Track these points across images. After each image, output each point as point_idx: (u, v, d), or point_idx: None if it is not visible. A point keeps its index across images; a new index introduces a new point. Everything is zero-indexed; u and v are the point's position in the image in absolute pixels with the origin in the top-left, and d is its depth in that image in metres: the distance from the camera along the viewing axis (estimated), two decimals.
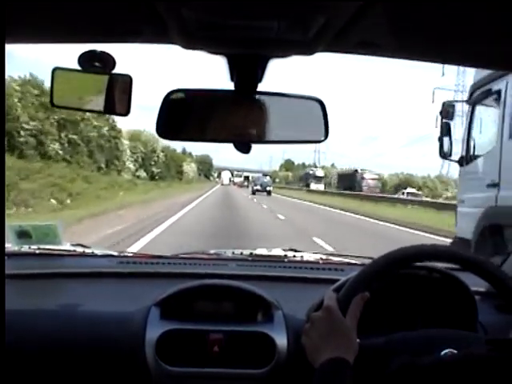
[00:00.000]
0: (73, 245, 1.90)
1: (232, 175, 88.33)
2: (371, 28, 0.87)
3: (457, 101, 5.93)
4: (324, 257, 1.91)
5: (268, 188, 47.52)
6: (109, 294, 1.57)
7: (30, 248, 1.78)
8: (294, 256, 1.91)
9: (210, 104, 1.09)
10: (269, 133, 1.10)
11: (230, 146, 1.12)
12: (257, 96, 1.09)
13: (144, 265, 1.78)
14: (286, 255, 1.91)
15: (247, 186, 59.83)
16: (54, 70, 1.11)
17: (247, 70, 1.05)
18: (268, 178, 52.79)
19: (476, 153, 5.67)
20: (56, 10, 0.85)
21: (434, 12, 0.80)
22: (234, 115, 1.09)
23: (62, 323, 1.39)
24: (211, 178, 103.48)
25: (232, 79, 1.06)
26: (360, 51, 1.01)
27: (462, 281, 1.34)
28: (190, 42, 0.96)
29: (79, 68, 1.08)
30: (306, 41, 0.91)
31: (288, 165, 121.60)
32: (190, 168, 69.53)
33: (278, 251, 1.94)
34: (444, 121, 5.56)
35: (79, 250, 1.86)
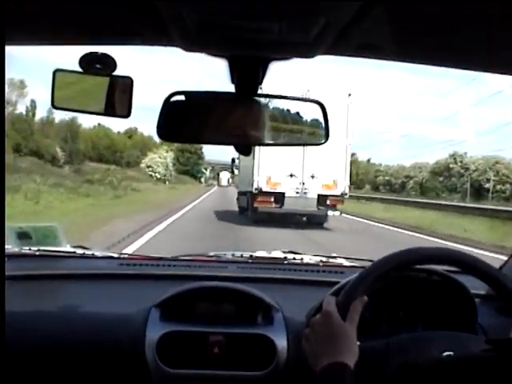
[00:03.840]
0: (73, 246, 1.90)
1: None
2: (372, 30, 0.87)
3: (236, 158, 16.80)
4: (324, 259, 1.91)
5: None
6: (109, 296, 1.57)
7: (30, 249, 1.78)
8: (294, 258, 1.91)
9: (211, 106, 1.09)
10: (269, 135, 1.10)
11: None
12: (257, 98, 1.09)
13: (144, 266, 1.78)
14: (285, 257, 1.91)
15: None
16: (55, 71, 1.11)
17: (248, 72, 1.05)
18: None
19: (237, 173, 19.20)
20: (56, 11, 0.85)
21: (435, 14, 0.80)
22: (234, 117, 1.09)
23: (62, 325, 1.39)
24: (202, 179, 69.74)
25: (233, 81, 1.06)
26: (361, 54, 1.01)
27: (461, 283, 1.34)
28: (190, 44, 0.96)
29: (80, 70, 1.08)
30: (307, 43, 0.91)
31: None
32: (158, 160, 42.22)
33: (277, 253, 1.94)
34: (232, 163, 18.01)
35: (79, 251, 1.86)
